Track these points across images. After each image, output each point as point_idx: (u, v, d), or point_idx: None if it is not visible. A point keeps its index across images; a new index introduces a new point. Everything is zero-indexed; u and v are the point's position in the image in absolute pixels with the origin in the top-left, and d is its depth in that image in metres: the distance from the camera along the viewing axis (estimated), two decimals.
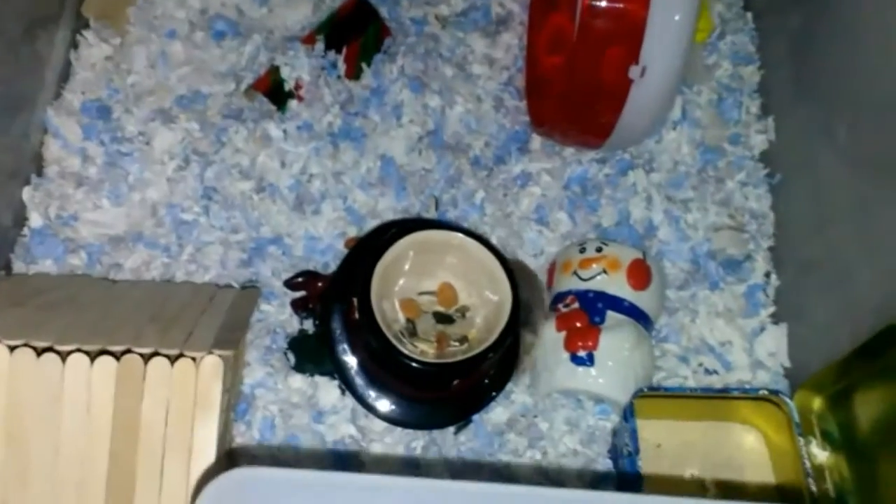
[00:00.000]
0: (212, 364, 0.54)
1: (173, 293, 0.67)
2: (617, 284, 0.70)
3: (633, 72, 0.67)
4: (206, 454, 0.54)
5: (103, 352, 0.54)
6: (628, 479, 0.63)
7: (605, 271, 0.70)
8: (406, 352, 0.62)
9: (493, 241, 0.76)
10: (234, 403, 0.66)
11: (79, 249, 0.74)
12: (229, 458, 0.64)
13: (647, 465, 0.65)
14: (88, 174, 0.78)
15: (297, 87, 0.81)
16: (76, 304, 0.61)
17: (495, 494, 0.39)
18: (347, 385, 0.68)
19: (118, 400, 0.53)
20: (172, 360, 0.54)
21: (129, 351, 0.54)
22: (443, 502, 0.39)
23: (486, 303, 0.67)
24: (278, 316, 0.73)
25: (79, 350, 0.53)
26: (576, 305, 0.70)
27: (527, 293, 0.69)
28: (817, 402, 0.66)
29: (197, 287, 0.71)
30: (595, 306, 0.70)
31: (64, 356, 0.53)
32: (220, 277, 0.74)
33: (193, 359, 0.54)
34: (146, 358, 0.54)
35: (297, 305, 0.72)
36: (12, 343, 0.53)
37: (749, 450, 0.70)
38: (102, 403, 0.53)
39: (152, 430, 0.53)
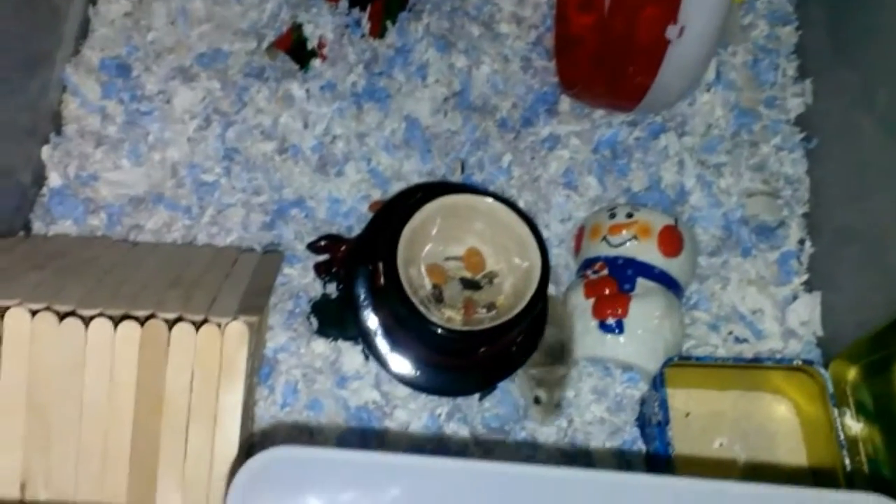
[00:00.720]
0: (237, 330, 0.53)
1: (195, 257, 0.66)
2: (648, 251, 0.69)
3: (671, 32, 0.64)
4: (231, 422, 0.53)
5: (126, 316, 0.53)
6: (658, 457, 0.62)
7: (635, 237, 0.69)
8: (433, 319, 0.60)
9: (521, 205, 0.74)
10: (257, 368, 0.65)
11: (99, 210, 0.74)
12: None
13: (676, 434, 0.64)
14: (108, 133, 0.77)
15: (320, 45, 0.79)
16: (97, 268, 0.60)
17: (558, 479, 0.38)
18: (371, 350, 0.66)
19: (142, 366, 0.52)
20: (197, 325, 0.53)
21: (153, 316, 0.53)
22: (479, 483, 0.37)
23: (514, 269, 0.66)
24: (301, 279, 0.72)
25: (102, 315, 0.52)
26: (605, 272, 0.69)
27: (558, 330, 0.67)
28: (852, 373, 0.65)
29: (219, 251, 0.69)
30: (625, 273, 0.68)
31: (87, 321, 0.52)
32: (242, 240, 0.73)
33: (218, 325, 0.53)
34: (170, 323, 0.53)
35: (320, 269, 0.71)
36: (34, 307, 0.52)
37: (780, 420, 0.69)
38: (126, 369, 0.52)
39: (176, 396, 0.53)
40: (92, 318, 0.52)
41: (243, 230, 0.73)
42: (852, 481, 0.61)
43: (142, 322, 0.52)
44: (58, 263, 0.60)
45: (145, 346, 0.52)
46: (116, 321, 0.52)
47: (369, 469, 0.37)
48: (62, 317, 0.52)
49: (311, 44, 0.79)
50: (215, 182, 0.75)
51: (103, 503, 0.52)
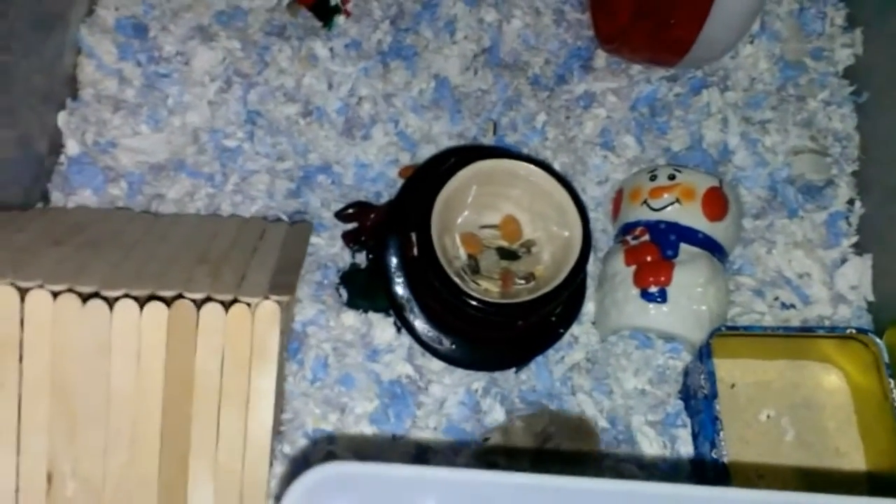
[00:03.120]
0: (269, 310, 0.51)
1: (221, 229, 0.63)
2: (691, 215, 0.66)
3: None
4: (264, 405, 0.51)
5: (153, 297, 0.50)
6: (704, 438, 0.60)
7: (678, 201, 0.66)
8: (469, 291, 0.58)
9: (556, 167, 0.71)
10: (286, 342, 0.63)
11: (119, 179, 0.71)
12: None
13: (721, 406, 0.61)
14: (125, 97, 0.74)
15: (344, 1, 0.76)
16: (119, 243, 0.58)
17: (609, 492, 0.35)
18: (404, 323, 0.64)
19: (170, 348, 0.50)
20: (227, 305, 0.50)
21: (180, 296, 0.50)
22: (544, 500, 0.35)
23: (553, 238, 0.63)
24: (329, 249, 0.69)
25: (127, 295, 0.50)
26: (646, 238, 0.66)
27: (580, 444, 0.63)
28: None
29: (245, 222, 0.67)
30: (667, 238, 0.65)
31: (111, 302, 0.50)
32: (268, 209, 0.70)
33: (249, 304, 0.51)
34: (199, 304, 0.50)
35: (349, 238, 0.69)
36: (55, 288, 0.50)
37: (829, 390, 0.66)
38: (154, 352, 0.50)
39: (207, 379, 0.50)
40: (117, 299, 0.50)
41: (268, 198, 0.71)
42: None
43: (169, 303, 0.50)
44: (79, 239, 0.58)
45: (173, 327, 0.50)
46: (142, 302, 0.50)
47: (428, 484, 0.35)
48: (85, 298, 0.50)
49: None
50: (238, 148, 0.73)
51: (133, 492, 0.50)
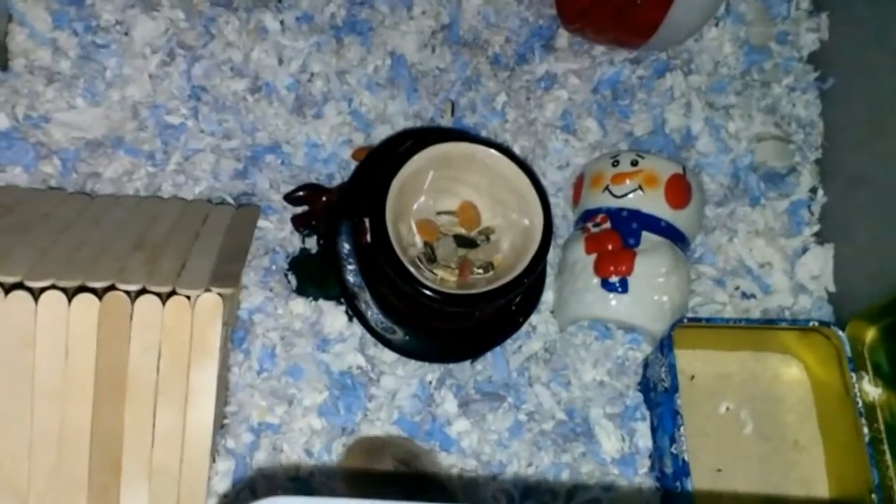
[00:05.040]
0: (210, 303, 0.47)
1: (160, 212, 0.59)
2: (654, 202, 0.64)
3: None
4: (204, 402, 0.48)
5: (82, 288, 0.47)
6: (663, 431, 0.58)
7: (640, 188, 0.65)
8: (424, 280, 0.56)
9: (516, 151, 0.69)
10: (230, 333, 0.59)
11: (51, 155, 0.68)
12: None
13: (681, 398, 0.60)
14: (60, 69, 0.71)
15: None
16: (49, 227, 0.54)
17: None
18: (355, 312, 0.62)
19: (101, 343, 0.47)
20: (164, 298, 0.47)
21: (112, 287, 0.47)
22: None
23: (512, 225, 0.61)
24: (278, 233, 0.67)
25: (54, 287, 0.46)
26: (607, 225, 0.65)
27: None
28: (871, 334, 0.61)
29: (187, 204, 0.63)
30: (629, 226, 0.64)
31: (36, 294, 0.46)
32: (212, 190, 0.68)
33: (188, 297, 0.47)
34: (133, 296, 0.47)
35: (299, 222, 0.66)
36: None
37: (789, 383, 0.66)
38: (83, 347, 0.46)
39: (141, 376, 0.47)
40: (42, 290, 0.46)
41: (213, 179, 0.68)
42: (872, 453, 0.57)
43: (100, 294, 0.47)
44: (5, 222, 0.54)
45: (105, 321, 0.46)
46: (71, 294, 0.46)
47: None
48: (8, 289, 0.46)
49: None
50: (181, 125, 0.70)
51: (62, 495, 0.47)
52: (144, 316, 0.47)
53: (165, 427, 0.48)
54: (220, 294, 0.48)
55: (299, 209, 0.67)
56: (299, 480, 0.59)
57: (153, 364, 0.48)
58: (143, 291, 0.47)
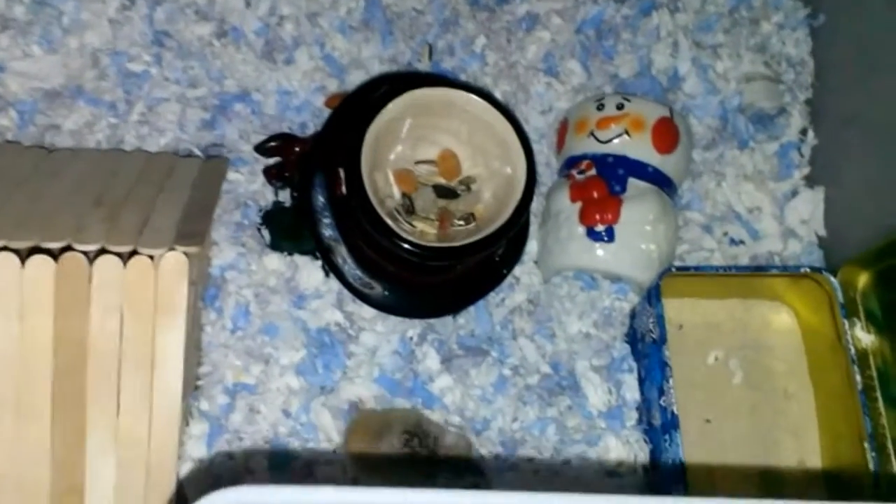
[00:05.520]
0: (175, 262, 0.45)
1: (123, 165, 0.57)
2: (640, 147, 0.63)
3: None
4: (172, 367, 0.46)
5: (37, 249, 0.44)
6: (651, 384, 0.57)
7: (626, 132, 0.63)
8: (402, 233, 0.54)
9: (497, 95, 0.67)
10: (201, 291, 0.57)
11: (7, 107, 0.66)
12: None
13: (669, 349, 0.59)
14: (14, 15, 0.69)
15: None
16: (3, 182, 0.51)
17: None
18: (332, 267, 0.60)
19: (59, 307, 0.44)
20: (125, 258, 0.45)
21: (69, 248, 0.44)
22: None
23: (494, 174, 0.59)
24: (249, 186, 0.65)
25: (6, 248, 0.44)
26: (592, 172, 0.63)
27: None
28: (863, 279, 0.61)
29: (151, 157, 0.61)
30: (615, 173, 0.63)
31: None
32: (179, 142, 0.66)
33: (151, 257, 0.45)
34: (91, 256, 0.44)
35: (271, 174, 0.64)
36: None
37: (779, 330, 0.65)
38: (39, 312, 0.44)
39: (103, 340, 0.45)
40: None
41: (179, 130, 0.66)
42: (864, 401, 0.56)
43: (56, 255, 0.44)
44: None
45: (62, 284, 0.44)
46: (24, 255, 0.44)
47: None
48: None
49: None
50: (144, 72, 0.68)
51: (23, 466, 0.45)
52: (105, 277, 0.45)
53: (131, 394, 0.46)
54: (185, 253, 0.46)
55: (271, 160, 0.65)
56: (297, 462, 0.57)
57: (115, 328, 0.45)
58: (102, 251, 0.45)
